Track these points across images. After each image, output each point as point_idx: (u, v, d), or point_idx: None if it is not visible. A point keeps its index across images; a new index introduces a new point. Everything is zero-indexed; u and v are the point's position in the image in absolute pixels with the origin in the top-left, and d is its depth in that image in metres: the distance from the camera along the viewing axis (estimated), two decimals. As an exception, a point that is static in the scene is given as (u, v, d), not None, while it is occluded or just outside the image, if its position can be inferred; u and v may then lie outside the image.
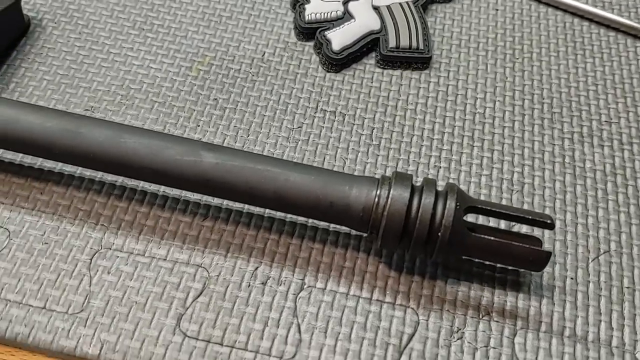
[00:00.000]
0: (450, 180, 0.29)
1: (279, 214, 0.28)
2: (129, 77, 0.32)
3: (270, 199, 0.25)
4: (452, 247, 0.24)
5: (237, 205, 0.28)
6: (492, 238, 0.24)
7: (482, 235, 0.24)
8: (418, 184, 0.27)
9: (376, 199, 0.24)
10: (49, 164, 0.29)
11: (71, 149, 0.25)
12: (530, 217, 0.25)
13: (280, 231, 0.27)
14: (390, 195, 0.24)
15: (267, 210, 0.28)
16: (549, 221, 0.24)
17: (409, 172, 0.28)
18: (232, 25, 0.35)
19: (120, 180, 0.28)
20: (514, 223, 0.27)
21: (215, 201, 0.28)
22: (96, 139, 0.25)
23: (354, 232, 0.27)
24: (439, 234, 0.24)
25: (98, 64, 0.32)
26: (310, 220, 0.27)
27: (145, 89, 0.32)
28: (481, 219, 0.28)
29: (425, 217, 0.24)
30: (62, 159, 0.26)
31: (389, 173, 0.29)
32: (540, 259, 0.24)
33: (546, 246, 0.27)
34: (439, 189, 0.25)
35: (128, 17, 0.34)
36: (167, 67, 0.32)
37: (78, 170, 0.28)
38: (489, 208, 0.25)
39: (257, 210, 0.28)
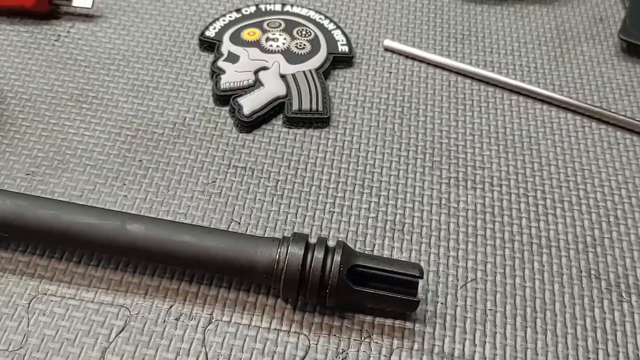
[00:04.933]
0: (342, 223, 0.34)
1: (193, 259, 0.32)
2: (65, 143, 0.37)
3: (188, 263, 0.30)
4: (339, 297, 0.29)
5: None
6: (372, 291, 0.29)
7: (363, 289, 0.29)
8: (313, 240, 0.32)
9: (277, 258, 0.29)
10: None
11: (23, 226, 0.30)
12: (402, 271, 0.29)
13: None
14: (288, 254, 0.29)
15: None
16: (417, 274, 0.29)
17: (306, 218, 0.33)
18: (158, 95, 0.40)
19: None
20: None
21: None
22: (40, 218, 0.30)
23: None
24: (327, 289, 0.29)
25: (39, 133, 0.37)
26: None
27: (79, 154, 0.36)
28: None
29: (316, 273, 0.29)
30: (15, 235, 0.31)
31: (289, 219, 0.34)
32: (412, 305, 0.30)
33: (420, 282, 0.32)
34: (332, 242, 0.30)
35: (66, 91, 0.39)
36: (99, 133, 0.37)
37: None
38: (367, 265, 0.29)
39: (173, 256, 0.32)
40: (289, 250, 0.29)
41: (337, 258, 0.29)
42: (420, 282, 0.30)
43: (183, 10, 0.45)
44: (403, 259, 0.32)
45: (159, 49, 0.42)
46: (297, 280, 0.29)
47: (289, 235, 0.30)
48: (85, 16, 0.44)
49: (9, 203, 0.30)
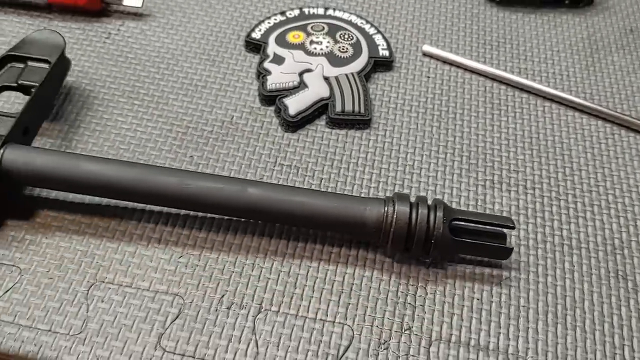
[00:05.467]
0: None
1: (243, 251, 0.34)
2: (118, 138, 0.38)
3: (304, 221, 0.33)
4: (442, 248, 0.32)
5: (207, 245, 0.34)
6: (470, 240, 0.32)
7: (463, 239, 0.32)
8: (412, 199, 0.34)
9: (385, 214, 0.32)
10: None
11: (143, 191, 0.32)
12: (496, 222, 0.33)
13: (242, 265, 0.33)
14: (396, 212, 0.32)
15: (232, 248, 0.34)
16: (510, 224, 0.33)
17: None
18: (206, 93, 0.41)
19: (112, 224, 0.34)
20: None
21: (190, 241, 0.34)
22: (167, 183, 0.32)
23: (303, 264, 0.34)
24: (432, 240, 0.31)
25: (92, 128, 0.39)
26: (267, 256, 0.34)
27: (132, 149, 0.38)
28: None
29: (422, 226, 0.32)
30: (133, 198, 0.33)
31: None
32: (507, 252, 0.33)
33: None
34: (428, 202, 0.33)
35: (118, 87, 0.41)
36: (151, 130, 0.39)
37: (82, 227, 0.35)
38: (466, 218, 0.33)
39: (224, 248, 0.34)
40: (396, 208, 0.32)
41: (440, 213, 0.32)
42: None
43: (229, 11, 0.47)
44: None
45: (206, 49, 0.44)
46: (404, 234, 0.32)
47: (392, 196, 0.33)
48: (134, 15, 0.46)
49: (136, 171, 0.32)
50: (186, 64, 0.43)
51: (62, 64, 0.38)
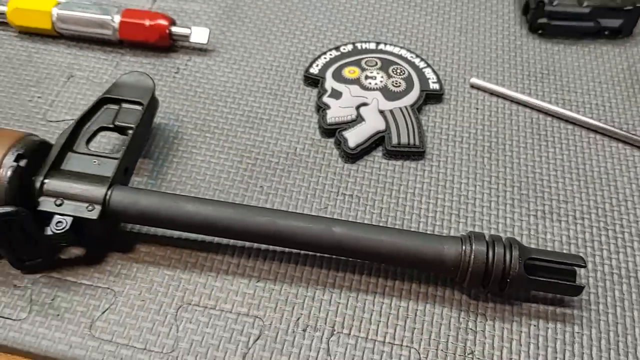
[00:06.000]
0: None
1: (314, 277, 0.37)
2: (194, 169, 0.42)
3: (387, 258, 0.35)
4: (517, 285, 0.34)
5: (281, 270, 0.37)
6: (544, 279, 0.34)
7: (536, 278, 0.34)
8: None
9: (463, 253, 0.34)
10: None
11: (238, 230, 0.35)
12: (569, 261, 0.35)
13: (314, 290, 0.36)
14: (473, 251, 0.34)
15: (304, 274, 0.37)
16: (582, 263, 0.35)
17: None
18: (271, 126, 0.44)
19: (194, 253, 0.38)
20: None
21: (265, 267, 0.37)
22: (259, 222, 0.35)
23: (369, 290, 0.37)
24: (508, 279, 0.34)
25: (170, 159, 0.42)
26: (336, 282, 0.37)
27: (207, 179, 0.41)
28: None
29: (499, 265, 0.34)
30: (227, 236, 0.36)
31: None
32: (578, 290, 0.35)
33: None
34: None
35: (190, 120, 0.44)
36: (223, 161, 0.42)
37: (168, 253, 0.38)
38: (540, 257, 0.35)
39: (296, 274, 0.37)
40: (473, 247, 0.34)
41: (516, 253, 0.34)
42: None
43: (285, 46, 0.50)
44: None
45: (268, 83, 0.47)
46: (482, 272, 0.34)
47: (467, 234, 0.35)
48: (199, 50, 0.49)
49: (230, 211, 0.35)
50: (250, 97, 0.46)
51: (152, 105, 0.41)
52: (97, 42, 0.49)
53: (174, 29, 0.48)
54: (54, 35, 0.50)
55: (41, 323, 0.35)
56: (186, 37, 0.48)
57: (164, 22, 0.48)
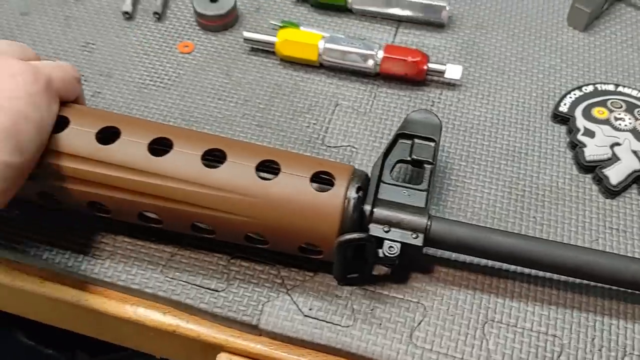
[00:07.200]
0: None
1: (602, 307, 0.41)
2: (470, 198, 0.47)
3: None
4: None
5: (576, 298, 0.42)
6: None
7: None
8: None
9: None
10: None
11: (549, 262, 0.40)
12: None
13: (603, 315, 0.41)
14: None
15: (591, 303, 0.41)
16: None
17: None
18: (529, 160, 0.49)
19: (487, 277, 0.43)
20: None
21: (554, 291, 0.42)
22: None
23: (651, 318, 0.41)
24: None
25: (446, 187, 0.47)
26: None
27: (484, 208, 0.46)
28: None
29: None
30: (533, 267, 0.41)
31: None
32: None
33: None
34: None
35: (455, 151, 0.49)
36: (494, 191, 0.47)
37: (464, 274, 0.43)
38: None
39: (583, 300, 0.42)
40: None
41: None
42: None
43: (526, 83, 0.54)
44: None
45: (518, 119, 0.52)
46: None
47: None
48: (449, 85, 0.54)
49: (534, 244, 0.40)
50: (504, 132, 0.51)
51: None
52: (354, 74, 0.55)
53: (431, 65, 0.53)
54: (314, 65, 0.55)
55: (367, 331, 0.40)
56: (441, 73, 0.53)
57: (422, 58, 0.53)
